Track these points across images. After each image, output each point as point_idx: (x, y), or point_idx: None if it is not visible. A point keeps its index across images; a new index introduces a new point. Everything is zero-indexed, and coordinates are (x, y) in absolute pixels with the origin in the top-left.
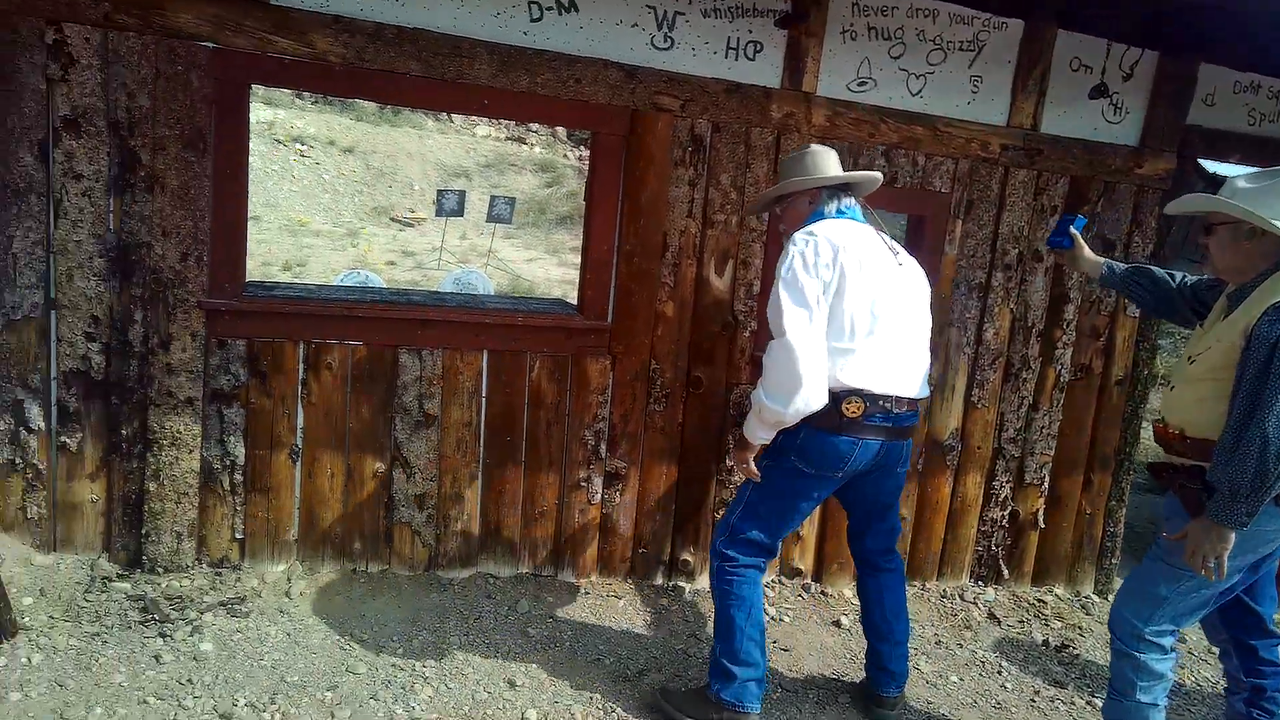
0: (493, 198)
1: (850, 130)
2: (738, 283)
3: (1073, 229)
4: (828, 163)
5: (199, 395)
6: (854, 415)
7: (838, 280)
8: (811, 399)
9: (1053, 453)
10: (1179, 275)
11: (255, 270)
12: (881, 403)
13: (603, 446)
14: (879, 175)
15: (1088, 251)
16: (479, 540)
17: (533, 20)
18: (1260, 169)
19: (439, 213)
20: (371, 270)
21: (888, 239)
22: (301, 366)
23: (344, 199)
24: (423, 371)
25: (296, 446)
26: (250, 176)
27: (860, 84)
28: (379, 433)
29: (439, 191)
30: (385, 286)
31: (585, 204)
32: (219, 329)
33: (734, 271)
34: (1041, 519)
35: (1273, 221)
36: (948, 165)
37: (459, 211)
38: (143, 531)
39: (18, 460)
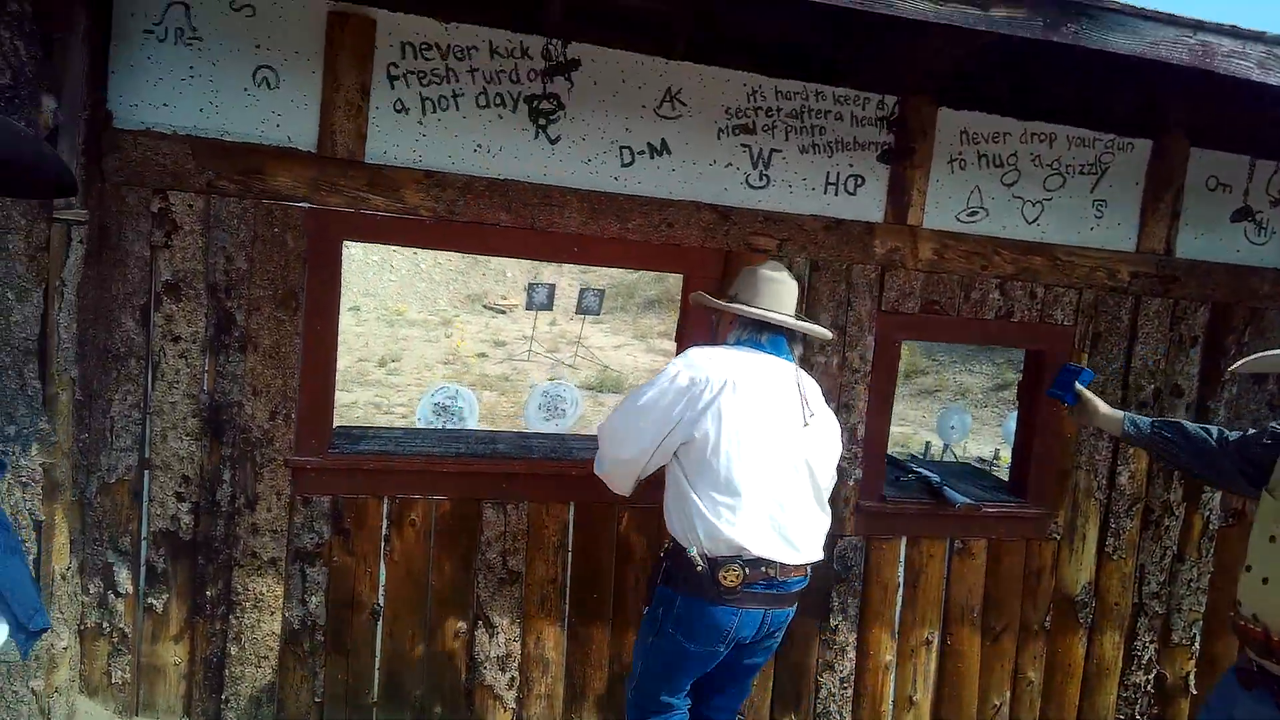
0: (582, 290)
1: (961, 263)
2: (840, 427)
3: (1077, 384)
4: (764, 291)
5: (282, 555)
6: (732, 585)
7: (714, 421)
8: (612, 488)
9: (1203, 609)
10: (1215, 430)
11: (351, 367)
12: (764, 568)
13: None
14: (817, 330)
15: (1101, 405)
16: (564, 703)
17: (623, 165)
18: None
19: (529, 306)
20: (461, 363)
21: (807, 387)
22: (385, 523)
23: (439, 287)
24: (507, 526)
25: (378, 606)
26: (350, 268)
27: (970, 214)
28: (461, 590)
29: (529, 286)
30: (471, 429)
31: (676, 347)
32: (304, 486)
33: (835, 415)
34: (1193, 684)
35: None
36: (1070, 296)
37: (548, 305)
38: (223, 696)
39: (104, 624)
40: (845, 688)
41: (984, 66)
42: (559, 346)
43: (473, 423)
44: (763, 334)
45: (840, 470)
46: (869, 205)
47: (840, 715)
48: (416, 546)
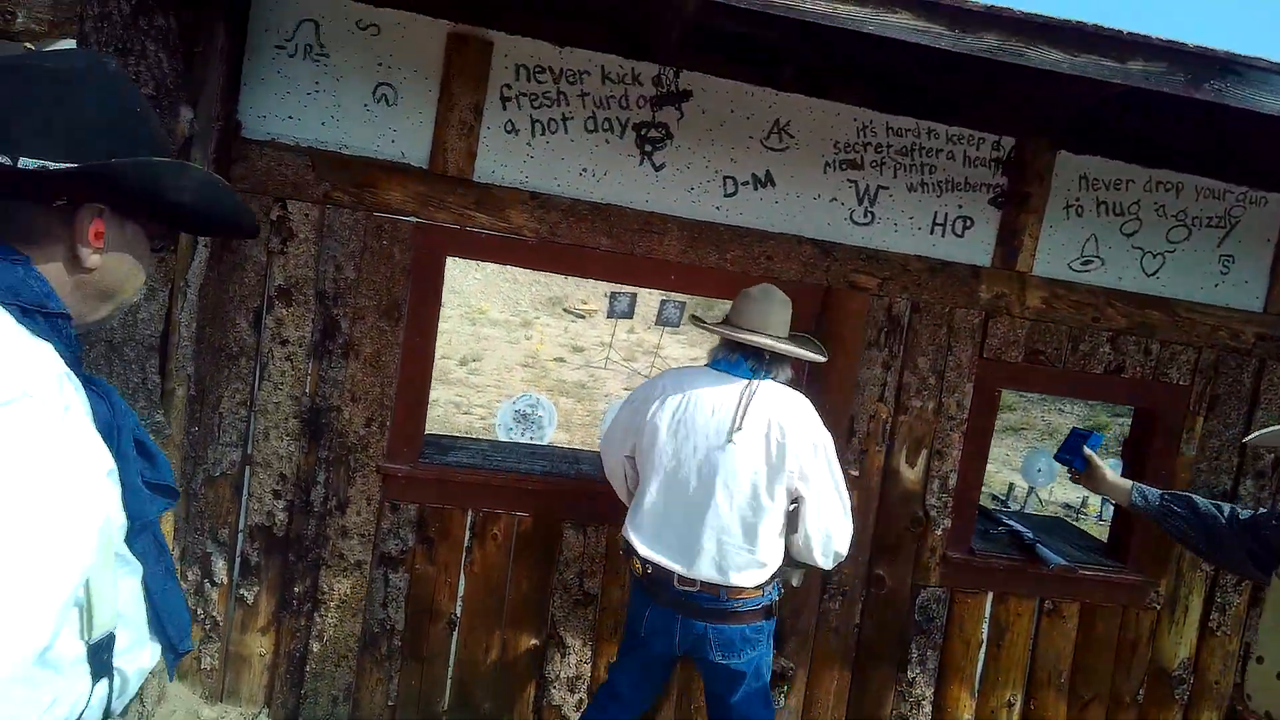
0: (663, 302)
1: (1070, 313)
2: (931, 474)
3: (1086, 448)
4: (742, 311)
5: (368, 559)
6: (638, 573)
7: (641, 429)
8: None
9: None
10: (1228, 508)
11: (434, 364)
12: (663, 573)
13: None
14: (779, 346)
15: (1109, 473)
16: None
17: (726, 195)
18: None
19: (610, 314)
20: (540, 367)
21: (759, 406)
22: (468, 535)
23: (522, 288)
24: (585, 548)
25: (455, 616)
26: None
27: (1084, 263)
28: (537, 608)
29: (611, 294)
30: (556, 447)
31: None
32: (393, 493)
33: (927, 462)
34: None
35: None
36: (1187, 355)
37: (629, 314)
38: (302, 691)
39: (199, 611)
40: None
41: (1109, 111)
42: (635, 355)
43: (550, 431)
44: (732, 354)
45: (926, 517)
46: (976, 248)
47: None
48: (496, 561)
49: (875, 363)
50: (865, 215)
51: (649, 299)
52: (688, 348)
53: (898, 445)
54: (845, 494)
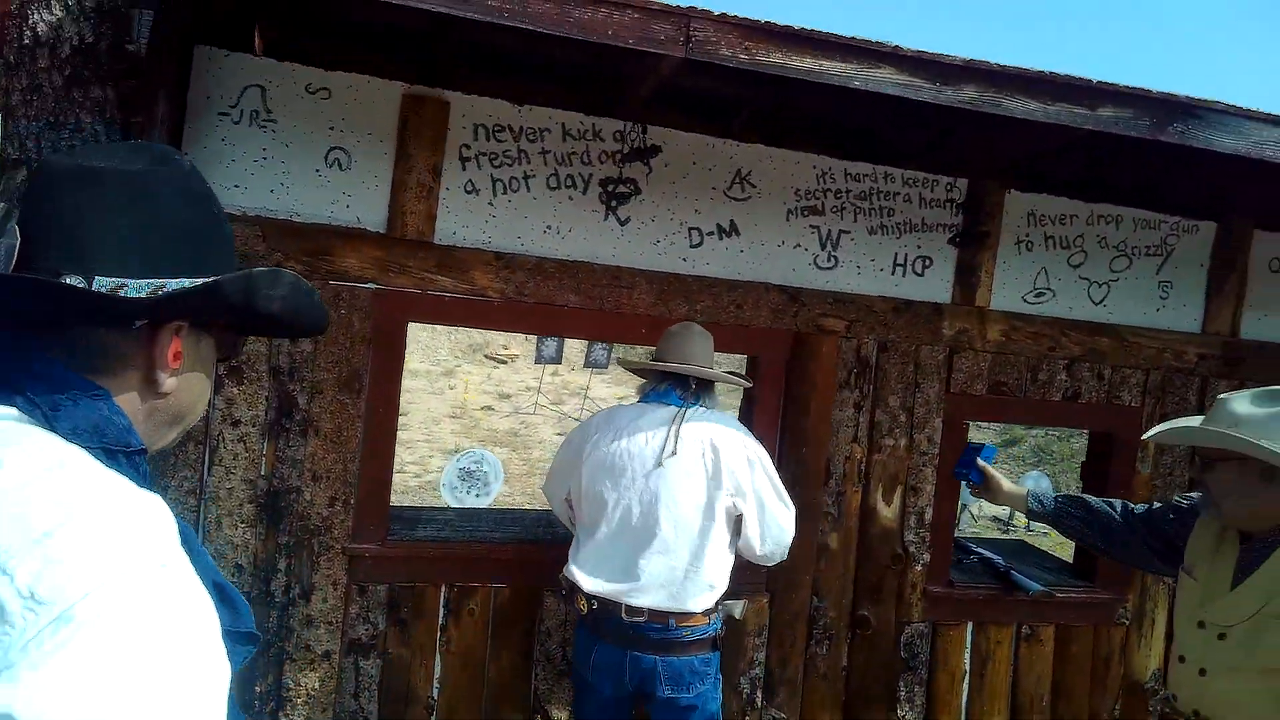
0: (590, 345)
1: (1029, 344)
2: (907, 510)
3: (980, 460)
4: (664, 347)
5: (336, 648)
6: (582, 611)
7: (579, 470)
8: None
9: None
10: (1120, 505)
11: None
12: (609, 605)
13: (759, 694)
14: (691, 369)
15: (1005, 483)
16: None
17: (692, 246)
18: (1265, 388)
19: (538, 360)
20: (469, 418)
21: (691, 430)
22: (443, 612)
23: (440, 336)
24: (567, 614)
25: (432, 699)
26: None
27: (1037, 295)
28: (519, 682)
29: (539, 338)
30: (529, 510)
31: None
32: (361, 574)
33: (903, 499)
34: None
35: None
36: (1137, 377)
37: (557, 359)
38: None
39: None
40: None
41: (1055, 151)
42: (563, 399)
43: (497, 487)
44: (660, 385)
45: (906, 554)
46: (937, 286)
47: None
48: (474, 637)
49: (848, 404)
50: (829, 259)
51: (573, 342)
52: (614, 387)
53: (874, 484)
54: (785, 498)
